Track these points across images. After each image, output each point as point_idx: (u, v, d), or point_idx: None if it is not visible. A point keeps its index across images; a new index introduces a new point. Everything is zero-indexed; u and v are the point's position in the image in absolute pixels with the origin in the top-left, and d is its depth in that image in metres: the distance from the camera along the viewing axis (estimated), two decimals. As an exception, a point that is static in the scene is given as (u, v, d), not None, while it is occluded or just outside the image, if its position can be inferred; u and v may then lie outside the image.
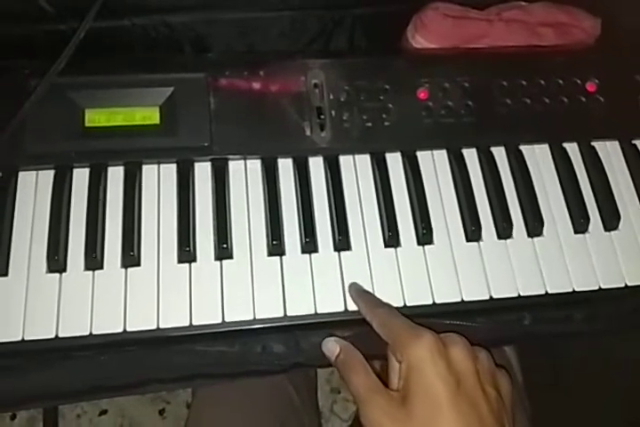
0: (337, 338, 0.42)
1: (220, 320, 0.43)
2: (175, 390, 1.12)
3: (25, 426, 1.11)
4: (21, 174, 0.47)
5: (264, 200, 0.47)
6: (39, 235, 0.45)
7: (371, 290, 0.45)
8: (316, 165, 0.49)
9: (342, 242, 0.46)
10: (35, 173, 0.47)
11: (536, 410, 0.64)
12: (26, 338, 0.42)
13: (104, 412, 1.13)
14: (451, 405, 0.35)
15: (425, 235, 0.46)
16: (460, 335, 0.39)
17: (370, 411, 0.37)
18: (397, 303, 0.44)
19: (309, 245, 0.46)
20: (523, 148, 0.51)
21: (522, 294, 0.45)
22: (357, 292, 0.44)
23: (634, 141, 0.52)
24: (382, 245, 0.47)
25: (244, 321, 0.43)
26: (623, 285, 0.47)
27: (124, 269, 0.44)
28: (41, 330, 0.42)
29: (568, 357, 0.74)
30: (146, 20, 0.52)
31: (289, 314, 0.44)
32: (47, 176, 0.47)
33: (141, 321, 0.43)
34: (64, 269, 0.44)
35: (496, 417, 0.36)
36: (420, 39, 0.53)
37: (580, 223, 0.48)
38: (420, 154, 0.50)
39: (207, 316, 0.43)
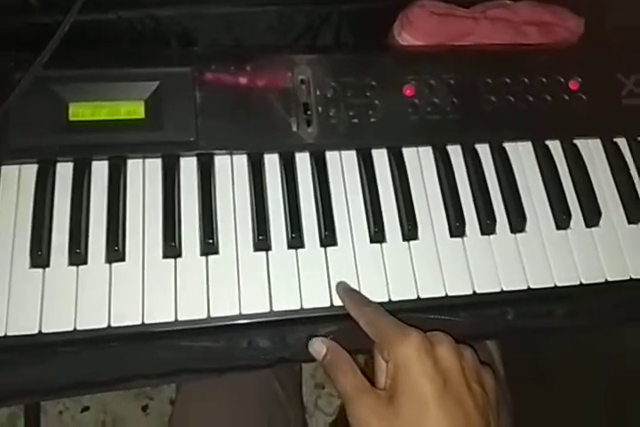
0: (323, 338, 0.43)
1: (205, 316, 0.43)
2: (159, 386, 1.11)
3: (6, 423, 1.10)
4: (4, 168, 0.46)
5: (250, 195, 0.47)
6: (22, 230, 0.44)
7: (356, 285, 0.45)
8: (303, 161, 0.49)
9: (328, 237, 0.46)
10: (18, 166, 0.46)
11: (518, 403, 0.65)
12: (8, 333, 0.41)
13: (86, 408, 1.13)
14: (437, 403, 0.35)
15: (410, 231, 0.47)
16: (446, 333, 0.39)
17: (357, 410, 0.37)
18: (382, 298, 0.45)
19: (295, 241, 0.46)
20: (506, 145, 0.52)
21: (505, 289, 0.46)
22: (345, 290, 0.44)
23: (615, 139, 0.53)
24: (368, 240, 0.47)
25: (230, 316, 0.43)
26: (604, 280, 0.48)
27: (108, 265, 0.44)
28: (24, 325, 0.41)
29: (550, 351, 0.75)
30: (132, 14, 0.52)
31: (275, 309, 0.44)
32: (30, 170, 0.46)
33: (126, 316, 0.42)
34: (47, 265, 0.43)
35: (481, 413, 0.37)
36: (407, 36, 0.53)
37: (561, 220, 0.49)
38: (405, 150, 0.50)
39: (192, 311, 0.43)
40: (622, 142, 0.53)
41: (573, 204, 0.50)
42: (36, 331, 0.41)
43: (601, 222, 0.50)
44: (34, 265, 0.43)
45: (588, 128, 0.53)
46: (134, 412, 1.14)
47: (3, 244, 0.44)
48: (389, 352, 0.38)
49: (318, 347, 0.42)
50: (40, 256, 0.43)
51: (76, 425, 1.12)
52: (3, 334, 0.41)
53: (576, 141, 0.53)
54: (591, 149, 0.53)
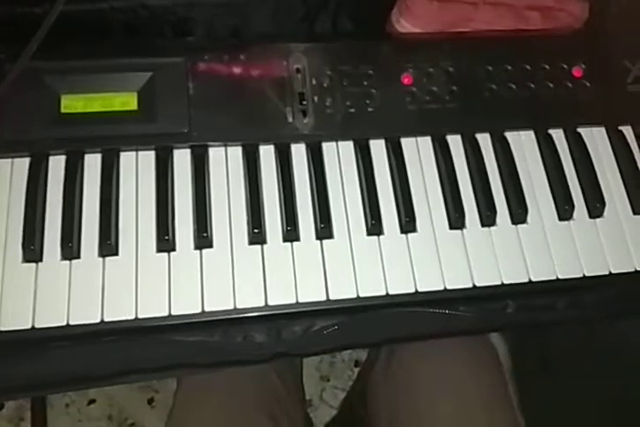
0: None
1: (199, 310, 0.42)
2: (164, 379, 1.11)
3: (13, 416, 1.11)
4: (-4, 162, 0.46)
5: (245, 188, 0.46)
6: (14, 224, 0.44)
7: (352, 279, 0.44)
8: (299, 152, 0.48)
9: (324, 230, 0.45)
10: (10, 160, 0.46)
11: (524, 396, 0.64)
12: (1, 329, 0.41)
13: (93, 401, 1.13)
14: None
15: (408, 223, 0.46)
16: None
17: None
18: (380, 292, 0.44)
19: (291, 234, 0.45)
20: (508, 134, 0.50)
21: (505, 282, 0.45)
22: None
23: (620, 128, 0.52)
24: (365, 233, 0.46)
25: (225, 311, 0.43)
26: (607, 272, 0.46)
27: (101, 259, 0.43)
28: (17, 321, 0.41)
29: (556, 343, 0.74)
30: (124, 3, 0.51)
31: (270, 303, 0.43)
32: (22, 164, 0.46)
33: (119, 311, 0.42)
34: (40, 259, 0.43)
35: None
36: (405, 23, 0.52)
37: (564, 210, 0.48)
38: (403, 140, 0.49)
39: (186, 305, 0.42)
40: (628, 130, 0.52)
41: (577, 194, 0.49)
42: (29, 326, 0.41)
43: (605, 213, 0.48)
44: (27, 260, 0.43)
45: (592, 116, 0.51)
46: (140, 404, 1.14)
47: (-5, 238, 0.43)
48: None
49: None
50: (33, 251, 0.43)
51: (83, 418, 1.12)
52: (-5, 330, 0.41)
53: (580, 130, 0.51)
54: (595, 138, 0.51)
